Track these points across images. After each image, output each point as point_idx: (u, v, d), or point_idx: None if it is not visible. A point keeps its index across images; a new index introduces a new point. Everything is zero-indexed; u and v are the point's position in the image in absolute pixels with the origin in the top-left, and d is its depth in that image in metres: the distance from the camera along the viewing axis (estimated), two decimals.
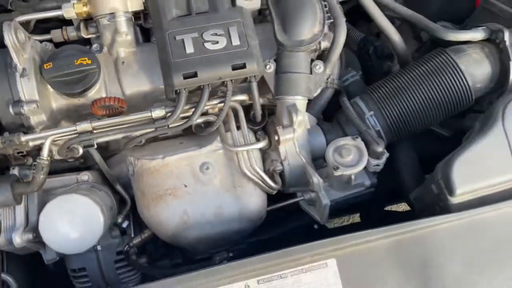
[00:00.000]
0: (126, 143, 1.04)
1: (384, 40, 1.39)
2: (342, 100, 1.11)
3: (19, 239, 0.98)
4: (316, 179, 0.98)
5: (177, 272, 0.91)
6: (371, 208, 1.52)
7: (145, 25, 1.13)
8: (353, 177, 0.96)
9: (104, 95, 1.04)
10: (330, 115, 1.19)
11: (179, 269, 1.07)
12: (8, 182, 0.96)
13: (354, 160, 0.95)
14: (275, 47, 1.05)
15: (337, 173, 0.94)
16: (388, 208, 1.64)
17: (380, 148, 0.97)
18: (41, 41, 1.10)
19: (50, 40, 1.13)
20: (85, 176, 1.10)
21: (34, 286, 1.25)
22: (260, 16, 1.15)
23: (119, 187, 1.14)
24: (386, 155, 1.00)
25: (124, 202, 1.17)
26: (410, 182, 1.13)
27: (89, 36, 1.11)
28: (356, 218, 2.12)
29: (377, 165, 1.00)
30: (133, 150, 1.07)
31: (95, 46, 1.09)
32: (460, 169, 0.86)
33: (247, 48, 0.96)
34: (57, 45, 1.11)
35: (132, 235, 1.19)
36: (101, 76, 1.03)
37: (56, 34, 1.12)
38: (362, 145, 0.97)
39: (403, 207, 1.94)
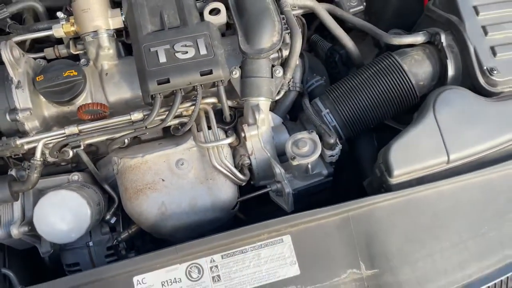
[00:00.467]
0: (110, 143, 1.17)
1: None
2: (303, 101, 1.24)
3: (16, 231, 1.10)
4: (278, 169, 1.10)
5: None
6: None
7: (127, 41, 1.27)
8: (309, 166, 1.08)
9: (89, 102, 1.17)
10: (296, 116, 1.32)
11: None
12: (6, 181, 1.09)
13: (310, 151, 1.07)
14: (237, 56, 1.19)
15: (295, 162, 1.06)
16: None
17: (332, 140, 1.09)
18: (35, 58, 1.24)
19: (44, 58, 1.28)
20: (75, 176, 1.22)
21: (32, 281, 1.36)
22: (231, 30, 1.30)
23: (106, 186, 1.26)
24: (339, 146, 1.12)
25: (113, 201, 1.29)
26: (369, 172, 1.25)
27: (78, 52, 1.26)
28: None
29: (332, 155, 1.12)
30: (117, 151, 1.20)
31: (82, 60, 1.23)
32: (396, 153, 0.98)
33: (213, 57, 1.10)
34: (50, 61, 1.26)
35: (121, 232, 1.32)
36: (87, 86, 1.17)
37: (49, 52, 1.27)
38: (316, 137, 1.09)
39: None
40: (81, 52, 1.25)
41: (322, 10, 1.29)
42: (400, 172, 0.98)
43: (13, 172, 1.14)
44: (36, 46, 1.37)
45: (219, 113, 1.20)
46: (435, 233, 0.95)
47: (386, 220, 0.95)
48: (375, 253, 0.93)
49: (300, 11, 1.32)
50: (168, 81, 1.08)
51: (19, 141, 1.08)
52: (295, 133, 1.15)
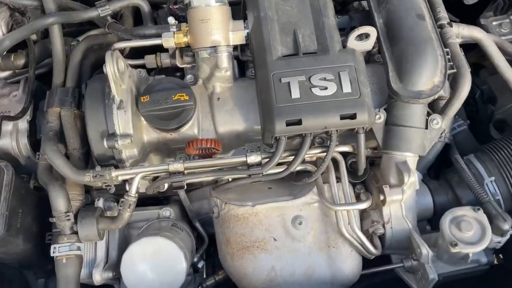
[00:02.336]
0: (216, 186, 0.98)
1: (484, 78, 1.25)
2: (455, 158, 0.99)
3: (99, 277, 0.94)
4: (425, 250, 0.86)
5: None
6: None
7: (241, 58, 1.06)
8: (471, 255, 0.84)
9: (196, 131, 0.98)
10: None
11: None
12: (94, 216, 0.92)
13: (475, 236, 0.83)
14: (383, 93, 0.95)
15: (455, 250, 0.82)
16: None
17: (507, 226, 0.84)
18: (132, 66, 1.06)
19: (142, 65, 1.09)
20: (167, 212, 1.05)
21: None
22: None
23: (198, 225, 1.08)
24: (511, 232, 0.86)
25: (201, 240, 1.11)
26: None
27: (183, 65, 1.06)
28: None
29: (499, 242, 0.87)
30: (218, 191, 1.01)
31: (189, 77, 1.04)
32: None
33: (359, 97, 0.86)
34: (149, 70, 1.08)
35: (204, 275, 1.14)
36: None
37: (150, 60, 1.09)
38: (485, 219, 0.84)
39: None
40: (187, 65, 1.06)
41: (491, 45, 1.02)
42: None
43: (100, 203, 0.98)
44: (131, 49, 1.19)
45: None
46: None
47: None
48: None
49: (459, 41, 1.04)
50: (299, 122, 0.86)
51: (114, 173, 0.91)
52: (443, 199, 0.93)
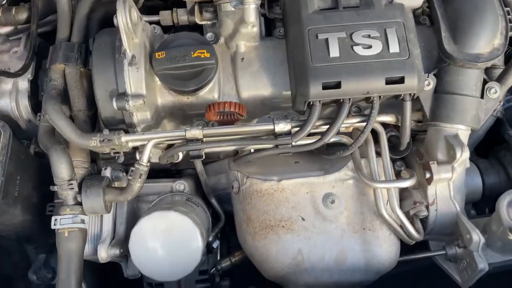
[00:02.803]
0: (237, 157, 0.87)
1: None
2: (508, 134, 0.88)
3: (105, 253, 0.85)
4: (476, 236, 0.76)
5: None
6: None
7: (269, 15, 0.94)
8: None
9: (216, 95, 0.87)
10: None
11: None
12: (100, 186, 0.82)
13: None
14: (431, 58, 0.84)
15: None
16: None
17: None
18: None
19: (157, 22, 0.98)
20: (181, 185, 0.94)
21: None
22: None
23: (214, 201, 0.99)
24: None
25: (216, 217, 1.01)
26: None
27: (203, 22, 0.94)
28: None
29: None
30: (238, 164, 0.90)
31: (209, 35, 0.92)
32: None
33: (408, 58, 0.75)
34: (164, 28, 0.97)
35: (219, 256, 1.05)
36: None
37: (165, 17, 0.97)
38: None
39: None
40: (207, 22, 0.94)
41: None
42: None
43: (107, 173, 0.87)
44: (144, 3, 1.07)
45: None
46: None
47: None
48: None
49: None
50: (338, 85, 0.75)
51: (124, 138, 0.80)
52: (495, 180, 0.84)
